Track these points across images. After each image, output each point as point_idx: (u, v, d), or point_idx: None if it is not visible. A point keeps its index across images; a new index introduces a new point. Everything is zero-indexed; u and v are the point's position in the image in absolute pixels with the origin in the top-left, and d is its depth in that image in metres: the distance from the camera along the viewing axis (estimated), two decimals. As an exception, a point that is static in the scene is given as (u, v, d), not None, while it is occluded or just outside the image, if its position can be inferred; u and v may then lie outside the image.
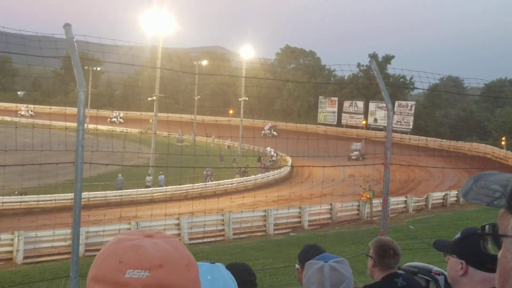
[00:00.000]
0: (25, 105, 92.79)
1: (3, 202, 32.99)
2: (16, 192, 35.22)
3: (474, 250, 2.91)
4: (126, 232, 1.29)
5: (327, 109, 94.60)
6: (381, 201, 10.48)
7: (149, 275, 1.15)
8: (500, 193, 1.19)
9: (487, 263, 2.84)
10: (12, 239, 22.64)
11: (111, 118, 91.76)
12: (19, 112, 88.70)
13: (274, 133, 78.29)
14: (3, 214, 30.74)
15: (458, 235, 3.00)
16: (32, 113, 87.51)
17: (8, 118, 70.21)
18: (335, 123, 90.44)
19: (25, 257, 22.30)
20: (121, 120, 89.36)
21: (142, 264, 1.16)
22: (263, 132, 77.88)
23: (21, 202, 33.70)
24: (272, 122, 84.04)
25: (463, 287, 2.96)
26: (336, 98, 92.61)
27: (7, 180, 30.36)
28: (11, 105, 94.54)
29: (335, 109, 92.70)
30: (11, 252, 22.44)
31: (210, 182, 43.78)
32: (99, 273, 1.18)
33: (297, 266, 4.38)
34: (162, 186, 42.80)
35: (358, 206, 33.11)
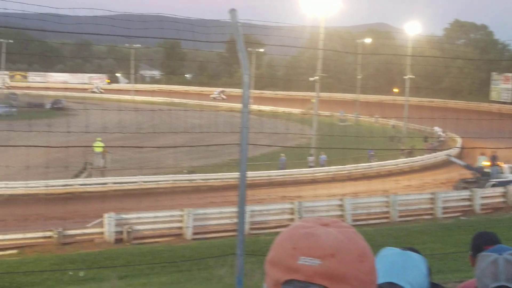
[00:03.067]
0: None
1: (174, 180, 34.55)
2: (185, 171, 36.84)
3: None
4: (303, 219, 1.29)
5: (501, 86, 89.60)
6: None
7: (320, 263, 1.15)
8: None
9: None
10: (182, 216, 23.73)
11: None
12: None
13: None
14: (174, 191, 32.08)
15: None
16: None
17: (176, 100, 73.27)
18: (511, 101, 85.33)
19: (194, 233, 23.28)
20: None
21: (314, 252, 1.16)
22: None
23: (190, 180, 35.34)
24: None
25: None
26: (511, 74, 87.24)
27: (177, 159, 31.88)
28: (180, 88, 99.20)
29: (511, 86, 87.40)
30: (181, 228, 23.56)
31: (373, 163, 43.11)
32: (275, 257, 1.21)
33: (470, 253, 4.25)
34: (323, 166, 42.74)
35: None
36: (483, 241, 4.15)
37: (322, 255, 1.16)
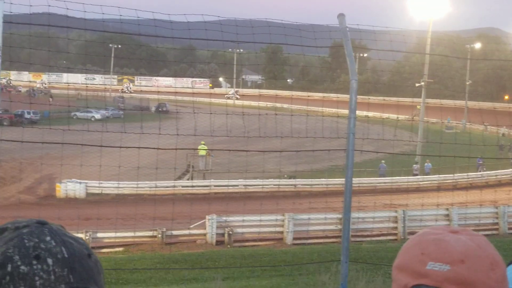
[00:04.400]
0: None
1: (275, 184, 34.71)
2: (286, 176, 37.00)
3: None
4: (432, 227, 1.28)
5: None
6: None
7: (450, 269, 1.16)
8: None
9: None
10: (283, 220, 23.88)
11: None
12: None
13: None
14: (275, 196, 32.28)
15: None
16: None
17: (278, 105, 73.71)
18: None
19: (294, 238, 23.34)
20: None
21: (443, 257, 1.17)
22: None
23: (291, 185, 35.51)
24: None
25: None
26: None
27: (279, 164, 32.04)
28: (282, 92, 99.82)
29: None
30: (282, 232, 23.70)
31: (482, 172, 41.86)
32: (402, 262, 1.23)
33: None
34: (428, 174, 41.97)
35: None
36: None
37: (451, 261, 1.17)
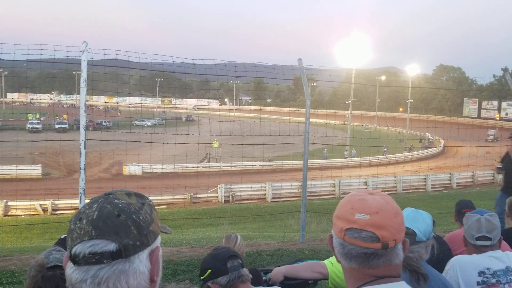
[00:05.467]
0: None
1: (261, 165, 34.79)
2: (267, 159, 37.00)
3: None
4: (357, 190, 1.29)
5: (470, 106, 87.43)
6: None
7: (369, 217, 1.16)
8: None
9: None
10: (265, 187, 23.93)
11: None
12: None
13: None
14: (261, 172, 32.42)
15: None
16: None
17: (262, 115, 74.43)
18: (476, 116, 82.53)
19: (272, 198, 23.40)
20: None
21: (365, 210, 1.17)
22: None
23: (270, 165, 35.54)
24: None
25: None
26: (476, 99, 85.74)
27: (263, 152, 32.09)
28: (265, 108, 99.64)
29: (476, 106, 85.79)
30: (265, 194, 23.75)
31: (386, 155, 42.07)
32: (339, 213, 1.22)
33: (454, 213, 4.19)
34: (354, 157, 42.12)
35: (493, 174, 29.53)
36: (463, 206, 4.09)
37: (370, 212, 1.17)
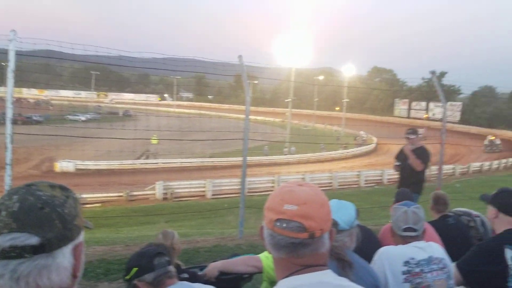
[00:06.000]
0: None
1: (200, 162, 34.25)
2: (207, 156, 36.58)
3: (504, 202, 2.77)
4: (287, 182, 1.32)
5: (400, 107, 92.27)
6: (437, 167, 9.89)
7: (297, 208, 1.18)
8: None
9: (511, 211, 2.70)
10: (205, 184, 23.74)
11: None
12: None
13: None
14: (201, 168, 32.06)
15: (494, 192, 2.87)
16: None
17: (202, 111, 73.57)
18: (406, 116, 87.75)
19: (212, 194, 23.27)
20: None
21: (293, 201, 1.19)
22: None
23: (211, 161, 35.26)
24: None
25: (495, 226, 2.84)
26: (407, 100, 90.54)
27: (203, 148, 31.84)
28: (206, 104, 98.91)
29: (406, 107, 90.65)
30: (204, 191, 23.57)
31: (323, 152, 43.14)
32: (269, 205, 1.24)
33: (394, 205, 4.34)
34: (293, 154, 42.82)
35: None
36: (401, 197, 4.11)
37: (298, 203, 1.19)
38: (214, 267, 2.86)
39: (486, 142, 53.80)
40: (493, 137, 55.29)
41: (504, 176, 29.78)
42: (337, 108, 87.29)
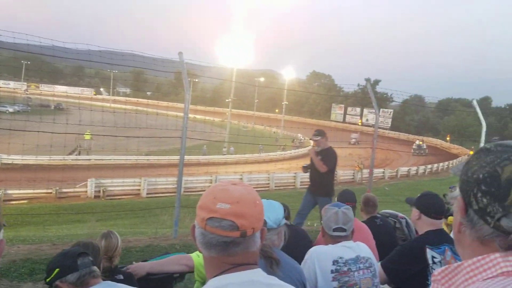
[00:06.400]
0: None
1: (136, 159, 33.44)
2: (144, 153, 35.84)
3: (426, 204, 2.94)
4: (221, 181, 1.32)
5: (337, 111, 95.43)
6: (368, 170, 10.35)
7: (230, 206, 1.18)
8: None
9: (432, 213, 2.88)
10: (140, 182, 23.20)
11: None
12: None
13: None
14: (136, 166, 31.27)
15: (418, 195, 3.03)
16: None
17: (139, 108, 71.69)
18: (342, 121, 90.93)
19: (147, 193, 22.79)
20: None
21: (226, 200, 1.19)
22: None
23: (147, 159, 34.48)
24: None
25: (418, 227, 3.01)
26: (343, 105, 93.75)
27: (139, 146, 31.00)
28: (143, 100, 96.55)
29: (342, 112, 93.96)
30: (139, 189, 23.02)
31: (260, 153, 43.57)
32: (202, 203, 1.23)
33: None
34: (232, 154, 42.93)
35: (353, 173, 32.69)
36: (345, 197, 4.09)
37: (231, 202, 1.19)
38: (142, 267, 2.81)
39: (414, 146, 57.71)
40: (421, 142, 59.41)
41: (428, 181, 31.83)
42: (277, 110, 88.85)
